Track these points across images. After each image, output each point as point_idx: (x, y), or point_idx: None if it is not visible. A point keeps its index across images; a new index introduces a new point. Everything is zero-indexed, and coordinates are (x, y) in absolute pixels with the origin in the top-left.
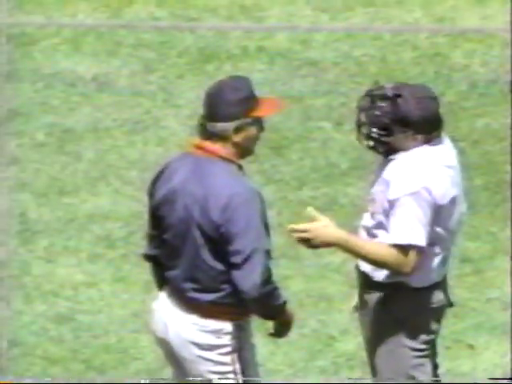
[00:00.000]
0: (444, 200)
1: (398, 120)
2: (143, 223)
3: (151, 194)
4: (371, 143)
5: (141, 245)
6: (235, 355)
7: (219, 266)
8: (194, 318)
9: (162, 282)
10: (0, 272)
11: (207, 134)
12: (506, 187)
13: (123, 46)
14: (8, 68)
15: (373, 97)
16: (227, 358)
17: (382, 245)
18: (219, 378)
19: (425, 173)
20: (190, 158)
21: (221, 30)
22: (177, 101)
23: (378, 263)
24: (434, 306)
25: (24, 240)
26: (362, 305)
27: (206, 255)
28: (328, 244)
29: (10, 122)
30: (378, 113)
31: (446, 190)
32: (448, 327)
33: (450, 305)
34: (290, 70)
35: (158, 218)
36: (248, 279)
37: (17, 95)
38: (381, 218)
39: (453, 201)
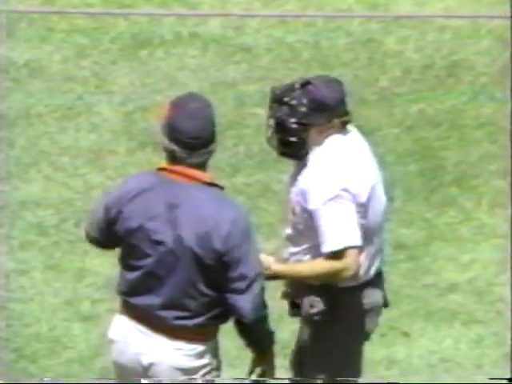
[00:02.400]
0: (364, 196)
1: (315, 106)
2: (75, 210)
3: (116, 219)
4: (287, 146)
5: (72, 232)
6: (215, 373)
7: (212, 293)
8: (179, 344)
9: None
10: None
11: (188, 164)
12: (442, 173)
13: (56, 32)
14: None
15: (283, 93)
16: (208, 377)
17: (318, 261)
18: None
19: (339, 174)
20: (171, 184)
21: (154, 17)
22: (109, 87)
23: (322, 278)
24: (369, 306)
25: None
26: (295, 306)
27: (200, 284)
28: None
29: None
30: (293, 103)
31: (363, 185)
32: (383, 314)
33: (386, 305)
34: (223, 56)
35: (126, 245)
36: (250, 303)
37: None
38: (301, 227)
39: (372, 194)
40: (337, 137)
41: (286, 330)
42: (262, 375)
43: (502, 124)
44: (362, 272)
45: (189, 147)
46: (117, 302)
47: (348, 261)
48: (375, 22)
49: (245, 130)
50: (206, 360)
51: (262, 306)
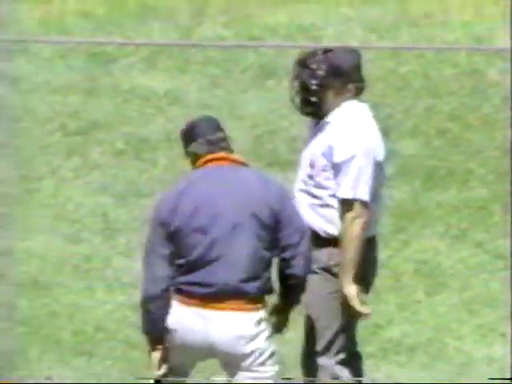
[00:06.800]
0: (381, 155)
1: (333, 71)
2: None
3: (169, 219)
4: (308, 106)
5: None
6: (270, 341)
7: (268, 255)
8: (241, 314)
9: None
10: (85, 265)
11: (227, 150)
12: None
13: (192, 64)
14: (90, 84)
15: (306, 58)
16: (266, 344)
17: (347, 231)
18: (263, 366)
19: (364, 133)
20: (215, 169)
21: (280, 49)
22: (240, 113)
23: (356, 232)
24: (374, 258)
25: (106, 237)
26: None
27: (259, 246)
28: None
29: (92, 132)
30: (313, 66)
31: (381, 145)
32: (483, 317)
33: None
34: None
35: (191, 231)
36: (304, 257)
37: (98, 108)
38: (320, 179)
39: (384, 155)
40: (353, 101)
41: (397, 330)
42: (278, 325)
43: None
44: (371, 228)
45: (219, 138)
46: None
47: (357, 211)
48: (479, 54)
49: None
50: (263, 326)
51: (311, 261)
